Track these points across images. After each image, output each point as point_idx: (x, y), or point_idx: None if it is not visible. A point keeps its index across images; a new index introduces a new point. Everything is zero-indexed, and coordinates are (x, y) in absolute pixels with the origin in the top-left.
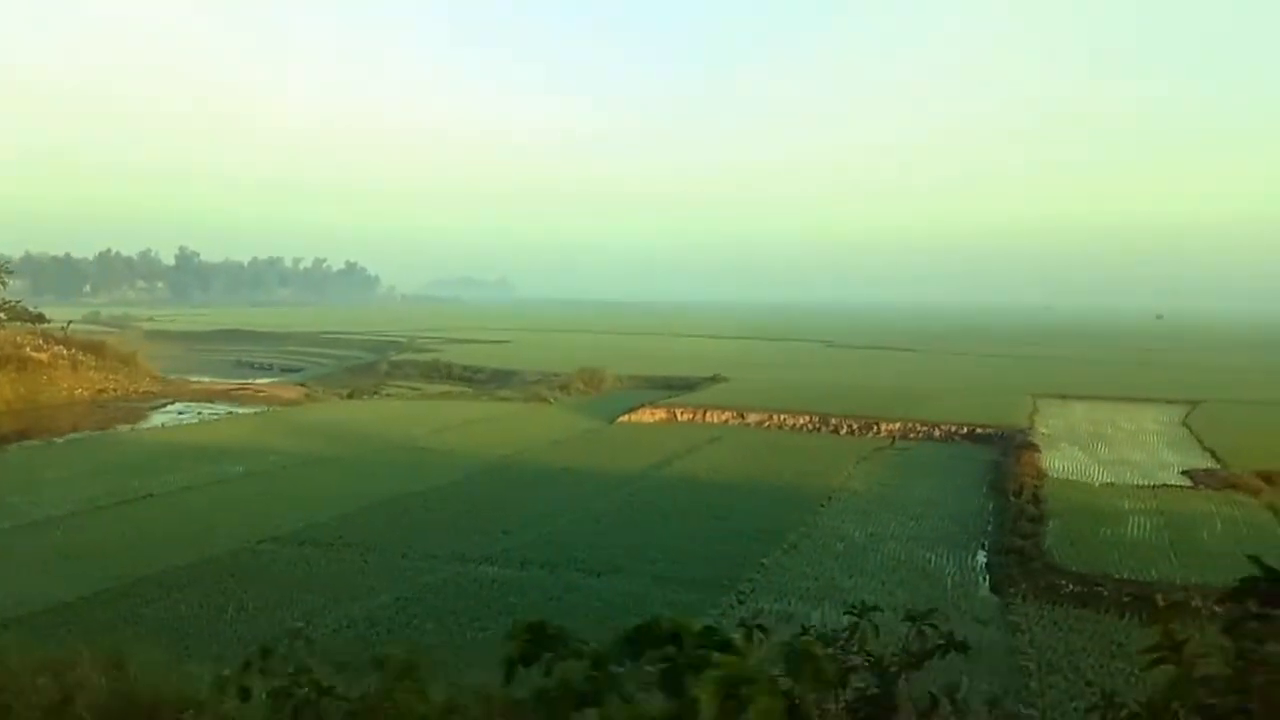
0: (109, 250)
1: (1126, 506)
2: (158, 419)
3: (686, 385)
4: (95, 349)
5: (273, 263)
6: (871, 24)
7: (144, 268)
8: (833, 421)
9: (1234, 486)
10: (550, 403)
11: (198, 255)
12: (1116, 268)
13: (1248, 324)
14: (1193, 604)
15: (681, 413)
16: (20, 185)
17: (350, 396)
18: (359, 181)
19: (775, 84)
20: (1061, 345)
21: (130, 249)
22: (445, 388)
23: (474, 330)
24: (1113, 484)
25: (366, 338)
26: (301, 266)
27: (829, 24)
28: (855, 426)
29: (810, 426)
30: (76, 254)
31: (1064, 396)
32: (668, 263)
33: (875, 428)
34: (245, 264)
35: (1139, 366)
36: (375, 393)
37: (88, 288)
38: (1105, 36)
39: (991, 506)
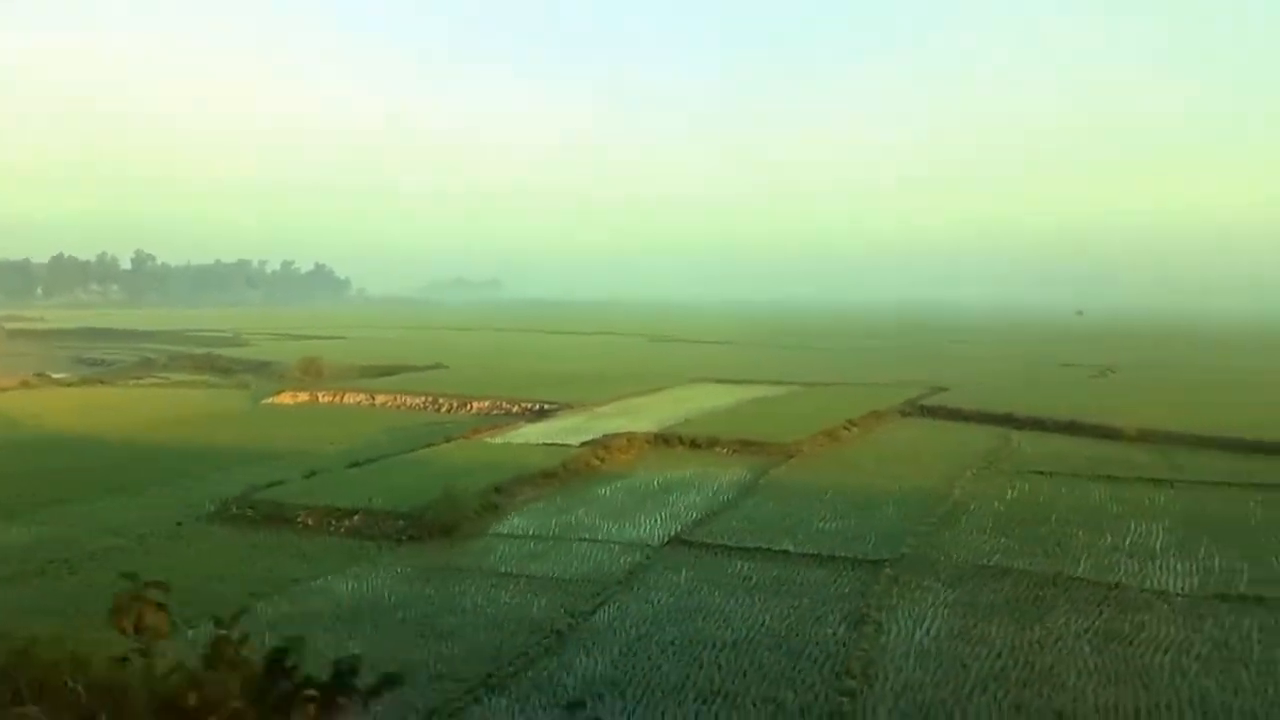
0: (61, 254)
1: (462, 458)
2: None
3: (404, 371)
4: None
5: (240, 265)
6: (863, 22)
7: (99, 271)
8: (440, 402)
9: (605, 447)
10: (248, 389)
11: (153, 258)
12: (1165, 268)
13: (1165, 319)
14: (330, 521)
15: (323, 396)
16: None
17: (72, 385)
18: (352, 185)
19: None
20: (875, 337)
21: (93, 253)
22: (189, 377)
23: (348, 329)
24: (516, 444)
25: (217, 335)
26: (269, 269)
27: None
28: (453, 405)
29: (422, 406)
30: (36, 259)
31: (715, 380)
32: (671, 262)
33: (469, 405)
34: (211, 266)
35: (871, 354)
36: (102, 382)
37: (39, 290)
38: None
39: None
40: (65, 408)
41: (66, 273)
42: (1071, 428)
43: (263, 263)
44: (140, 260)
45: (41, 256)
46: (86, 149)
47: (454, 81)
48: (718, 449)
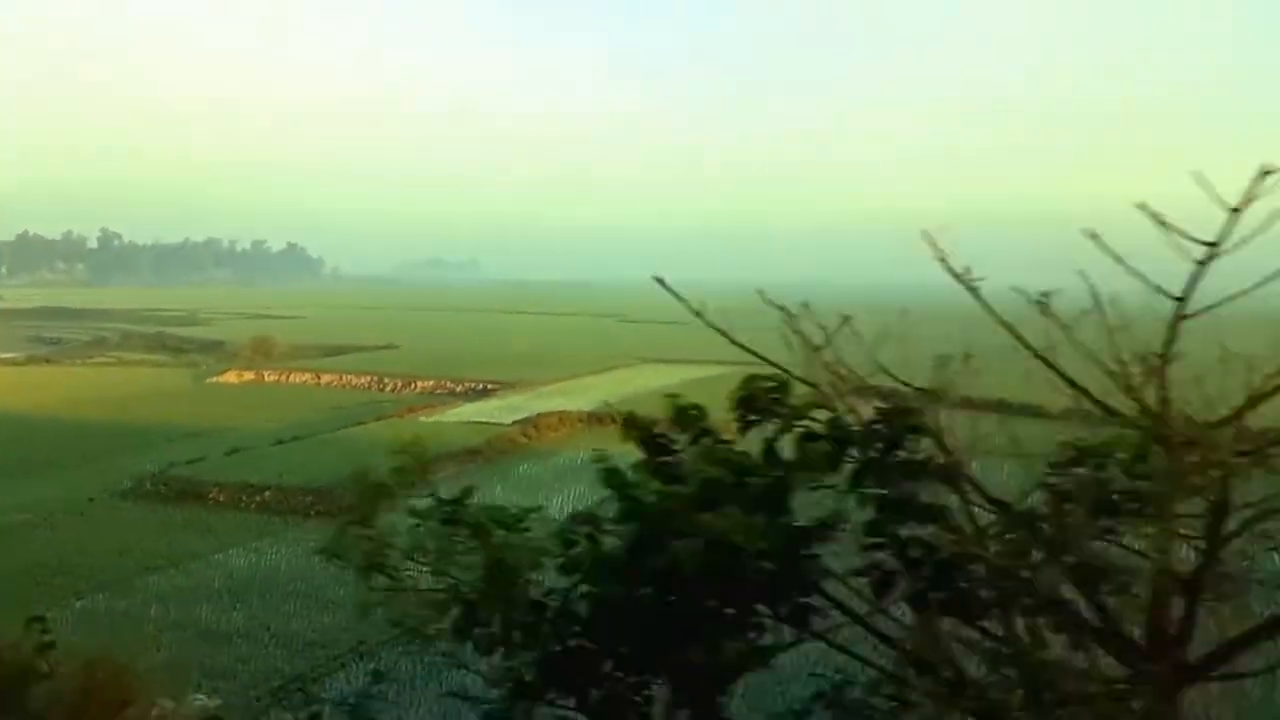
0: (26, 231)
1: (389, 436)
2: None
3: (356, 351)
4: None
5: (209, 244)
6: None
7: (65, 249)
8: (386, 381)
9: (535, 425)
10: (199, 367)
11: (120, 236)
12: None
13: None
14: (242, 497)
15: (269, 375)
16: None
17: (18, 364)
18: (328, 164)
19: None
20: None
21: (59, 232)
22: (140, 356)
23: (312, 308)
24: (448, 422)
25: (176, 314)
26: (239, 248)
27: None
28: (398, 385)
29: (367, 385)
30: (4, 237)
31: (670, 360)
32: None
33: (413, 385)
34: (179, 245)
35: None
36: (49, 361)
37: (3, 269)
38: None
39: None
40: (6, 386)
41: (32, 251)
42: (999, 406)
43: (233, 241)
44: (106, 239)
45: (6, 234)
46: (52, 120)
47: (441, 58)
48: None
